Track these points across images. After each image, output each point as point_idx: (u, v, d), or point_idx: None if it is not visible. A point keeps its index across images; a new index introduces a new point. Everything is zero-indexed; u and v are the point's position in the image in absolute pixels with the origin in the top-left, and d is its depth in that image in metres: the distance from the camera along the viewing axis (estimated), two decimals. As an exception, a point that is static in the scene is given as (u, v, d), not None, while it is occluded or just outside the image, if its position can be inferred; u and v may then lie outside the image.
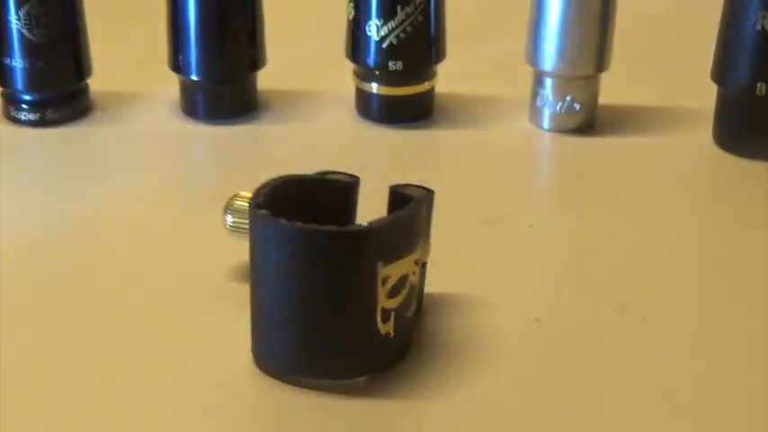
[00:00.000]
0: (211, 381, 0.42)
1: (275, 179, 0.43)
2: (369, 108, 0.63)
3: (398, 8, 0.59)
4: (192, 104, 0.64)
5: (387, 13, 0.60)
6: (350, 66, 0.63)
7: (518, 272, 0.49)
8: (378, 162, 0.59)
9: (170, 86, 0.64)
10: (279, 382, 0.42)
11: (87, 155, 0.61)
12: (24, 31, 0.60)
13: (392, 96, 0.62)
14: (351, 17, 0.61)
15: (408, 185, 0.44)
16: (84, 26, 0.62)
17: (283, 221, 0.39)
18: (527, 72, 0.63)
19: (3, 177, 0.57)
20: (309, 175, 0.44)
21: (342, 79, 0.64)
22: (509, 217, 0.53)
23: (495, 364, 0.43)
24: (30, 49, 0.60)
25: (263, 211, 0.40)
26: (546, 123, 0.62)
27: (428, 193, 0.43)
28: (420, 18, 0.60)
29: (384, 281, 0.40)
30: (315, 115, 0.64)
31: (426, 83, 0.63)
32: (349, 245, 0.39)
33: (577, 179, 0.59)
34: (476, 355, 0.43)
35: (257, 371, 0.42)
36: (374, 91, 0.62)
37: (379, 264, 0.40)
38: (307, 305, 0.40)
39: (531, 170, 0.61)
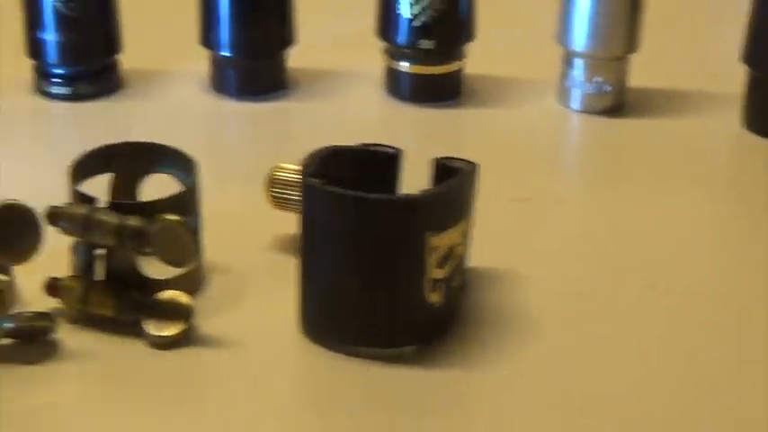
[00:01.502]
0: (259, 350, 0.42)
1: (322, 149, 0.43)
2: (398, 87, 0.63)
3: (431, -13, 0.60)
4: (223, 81, 0.64)
5: (419, -8, 0.60)
6: (379, 44, 0.63)
7: (555, 247, 0.50)
8: (407, 140, 0.59)
9: (200, 63, 0.64)
10: (326, 351, 0.42)
11: (119, 129, 0.61)
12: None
13: (422, 75, 0.63)
14: (383, -5, 0.61)
15: (452, 158, 0.44)
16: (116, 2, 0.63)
17: (336, 189, 0.40)
18: (555, 53, 0.63)
19: (36, 149, 0.57)
20: (355, 146, 0.45)
21: (371, 58, 0.64)
22: (542, 194, 0.54)
23: (539, 335, 0.43)
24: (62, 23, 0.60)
25: (316, 180, 0.40)
26: (575, 104, 0.63)
27: (472, 166, 0.44)
28: (452, -3, 0.60)
29: (433, 251, 0.41)
30: (344, 93, 0.65)
31: (456, 62, 0.63)
32: (400, 213, 0.40)
33: (607, 159, 0.59)
34: (520, 328, 0.44)
35: (304, 339, 0.43)
36: (404, 69, 0.62)
37: (429, 233, 0.40)
38: (356, 273, 0.40)
39: (561, 150, 0.62)
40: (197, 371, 0.42)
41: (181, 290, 0.43)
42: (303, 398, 0.42)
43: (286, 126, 0.62)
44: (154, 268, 0.44)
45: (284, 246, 0.48)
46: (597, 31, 0.60)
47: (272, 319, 0.44)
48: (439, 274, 0.41)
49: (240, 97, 0.64)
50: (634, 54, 0.62)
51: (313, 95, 0.65)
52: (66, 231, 0.42)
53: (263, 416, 0.39)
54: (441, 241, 0.41)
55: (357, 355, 0.42)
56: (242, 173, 0.54)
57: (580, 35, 0.61)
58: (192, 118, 0.62)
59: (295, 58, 0.65)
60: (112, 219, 0.41)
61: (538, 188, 0.54)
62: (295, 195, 0.47)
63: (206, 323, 0.43)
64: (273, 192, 0.47)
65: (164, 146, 0.46)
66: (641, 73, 0.63)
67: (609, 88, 0.62)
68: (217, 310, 0.44)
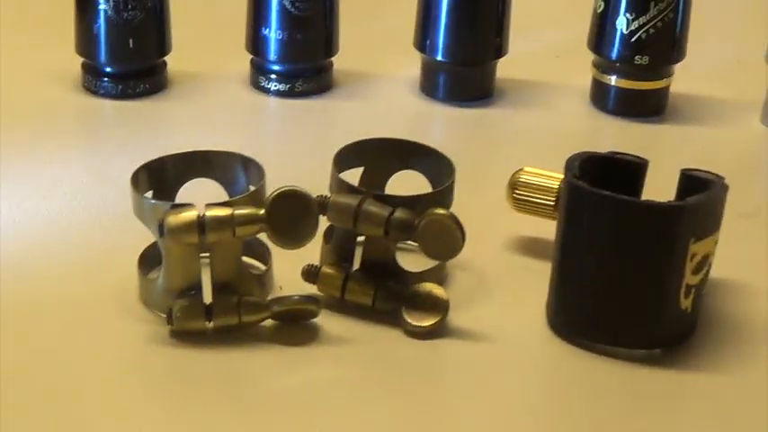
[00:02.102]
0: (508, 342, 0.44)
1: (578, 154, 0.45)
2: (605, 100, 0.65)
3: (651, 4, 0.61)
4: (434, 85, 0.65)
5: (639, 8, 0.61)
6: (587, 57, 0.65)
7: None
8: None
9: (410, 67, 0.67)
10: (574, 348, 0.44)
11: (337, 125, 0.63)
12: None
13: (631, 90, 0.64)
14: (599, 10, 0.63)
15: (697, 170, 0.45)
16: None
17: (606, 192, 0.41)
18: (761, 73, 0.64)
19: (94, 147, 0.61)
20: (606, 154, 0.46)
21: (577, 70, 0.66)
22: (763, 211, 0.54)
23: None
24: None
25: (582, 183, 0.42)
26: (780, 125, 0.63)
27: (722, 179, 0.45)
28: (671, 15, 0.61)
29: (692, 257, 0.42)
30: (550, 104, 0.66)
31: (665, 79, 0.64)
32: (669, 219, 0.41)
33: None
34: (759, 337, 0.45)
35: (553, 336, 0.44)
36: (613, 83, 0.64)
37: (692, 240, 0.41)
38: (618, 275, 0.42)
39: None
40: (451, 361, 0.44)
41: (431, 282, 0.45)
42: (548, 391, 0.43)
43: (494, 132, 0.63)
44: (407, 260, 0.45)
45: (523, 247, 0.50)
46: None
47: (520, 314, 0.45)
48: (694, 279, 0.43)
49: (449, 102, 0.65)
50: None
51: (520, 104, 0.66)
52: (335, 220, 0.44)
53: (511, 408, 0.41)
54: (700, 248, 0.42)
55: (607, 354, 0.43)
56: (463, 175, 0.56)
57: (792, 57, 0.61)
58: (401, 118, 0.64)
59: (503, 67, 0.67)
60: (382, 210, 0.43)
61: (758, 205, 0.55)
62: (539, 198, 0.48)
63: (456, 315, 0.45)
64: (517, 194, 0.49)
65: (421, 145, 0.47)
66: None
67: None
68: (465, 304, 0.46)
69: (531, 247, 0.50)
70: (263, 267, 0.46)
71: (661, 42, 0.62)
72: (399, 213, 0.43)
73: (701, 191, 0.43)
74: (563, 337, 0.44)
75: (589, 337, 0.43)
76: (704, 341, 0.44)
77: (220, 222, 0.41)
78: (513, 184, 0.49)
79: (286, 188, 0.42)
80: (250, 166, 0.45)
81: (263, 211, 0.41)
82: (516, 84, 0.68)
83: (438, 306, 0.44)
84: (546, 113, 0.65)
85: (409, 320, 0.44)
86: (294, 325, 0.44)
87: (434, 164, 0.47)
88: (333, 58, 0.67)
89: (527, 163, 0.49)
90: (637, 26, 0.62)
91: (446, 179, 0.46)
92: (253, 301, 0.43)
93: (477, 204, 0.52)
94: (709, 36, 0.74)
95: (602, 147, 0.57)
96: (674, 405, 0.41)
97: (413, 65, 0.67)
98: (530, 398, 0.42)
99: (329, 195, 0.44)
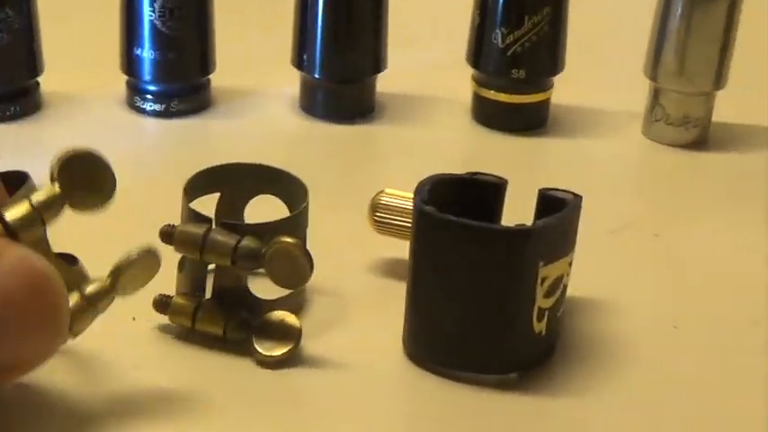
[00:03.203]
0: (362, 370, 0.43)
1: (431, 177, 0.44)
2: (485, 114, 0.64)
3: (526, 17, 0.60)
4: (313, 102, 0.65)
5: (513, 22, 0.61)
6: (468, 71, 0.64)
7: (650, 279, 0.50)
8: (492, 168, 0.60)
9: (289, 84, 0.66)
10: (430, 374, 0.43)
11: (211, 147, 0.62)
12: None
13: (510, 103, 0.63)
14: (476, 23, 0.62)
15: (555, 189, 0.45)
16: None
17: (451, 217, 0.41)
18: (641, 85, 0.64)
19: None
20: (461, 175, 0.45)
21: (458, 84, 0.65)
22: (634, 226, 0.54)
23: (636, 366, 0.44)
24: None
25: (430, 208, 0.41)
26: (660, 137, 0.63)
27: (578, 199, 0.44)
28: (546, 28, 0.61)
29: (543, 281, 0.41)
30: (431, 119, 0.66)
31: (544, 92, 0.64)
32: (517, 243, 0.40)
33: (693, 192, 0.60)
34: (618, 358, 0.45)
35: (408, 362, 0.43)
36: (492, 97, 0.63)
37: (541, 263, 0.41)
38: (467, 300, 0.41)
39: (647, 182, 0.62)
40: (303, 390, 0.43)
41: (286, 310, 0.44)
42: (404, 420, 0.42)
43: (373, 149, 0.63)
44: (261, 287, 0.44)
45: (385, 269, 0.49)
46: (687, 66, 0.61)
47: (376, 341, 0.44)
48: (546, 303, 0.42)
49: (328, 119, 0.64)
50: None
51: (400, 120, 0.66)
52: (181, 250, 0.43)
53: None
54: (551, 271, 0.41)
55: (460, 380, 0.42)
56: (336, 195, 0.55)
57: (669, 70, 0.61)
58: (279, 137, 0.63)
59: (385, 82, 0.66)
60: (228, 239, 0.42)
61: (631, 220, 0.55)
62: (400, 221, 0.48)
63: (310, 343, 0.44)
64: (377, 216, 0.48)
65: (274, 168, 0.47)
66: (725, 108, 0.64)
67: (695, 123, 0.63)
68: (321, 331, 0.45)
69: (393, 270, 0.49)
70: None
71: (537, 55, 0.62)
72: (246, 242, 0.42)
73: (559, 210, 0.42)
74: (418, 364, 0.43)
75: (442, 364, 0.43)
76: (562, 363, 0.44)
77: (27, 219, 0.39)
78: (374, 206, 0.48)
79: (69, 153, 0.39)
80: None
81: (57, 188, 0.39)
82: (398, 99, 0.67)
83: (290, 335, 0.43)
84: (426, 129, 0.65)
85: (260, 350, 0.43)
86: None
87: (289, 188, 0.46)
88: (211, 77, 0.65)
89: (403, 180, 0.48)
90: (512, 40, 0.61)
91: (301, 203, 0.45)
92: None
93: (344, 225, 0.51)
94: (589, 48, 0.73)
95: (484, 162, 0.57)
96: (527, 429, 0.41)
97: (293, 82, 0.66)
98: (380, 427, 0.41)
99: (176, 225, 0.43)
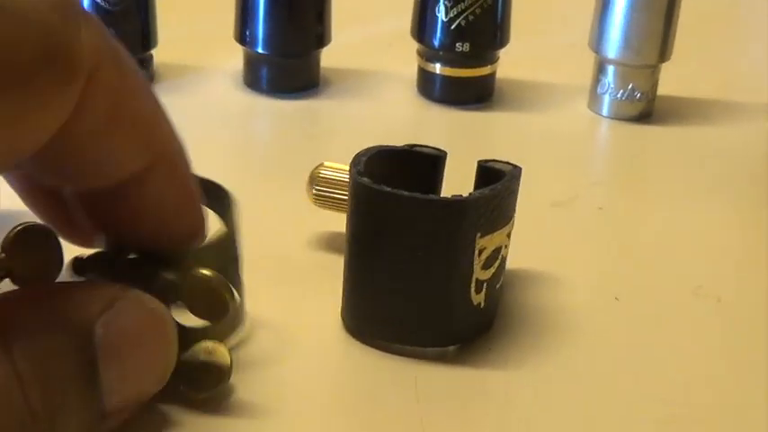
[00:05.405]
0: (301, 345, 0.43)
1: (369, 149, 0.44)
2: (431, 88, 0.64)
3: (468, -9, 0.60)
4: (257, 78, 0.64)
5: (457, -5, 0.60)
6: (413, 45, 0.64)
7: (592, 252, 0.50)
8: (438, 142, 0.59)
9: (233, 59, 0.65)
10: (369, 348, 0.43)
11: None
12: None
13: (455, 77, 0.63)
14: (419, -3, 0.62)
15: (495, 161, 0.45)
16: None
17: (386, 188, 0.40)
18: (587, 59, 0.63)
19: None
20: (400, 147, 0.45)
21: (404, 59, 0.65)
22: (577, 199, 0.54)
23: (576, 338, 0.44)
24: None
25: (366, 179, 0.41)
26: (606, 110, 0.63)
27: (518, 169, 0.44)
28: (489, 1, 0.61)
29: (480, 252, 0.41)
30: (376, 93, 0.65)
31: (489, 66, 0.63)
32: (452, 215, 0.40)
33: (638, 165, 0.60)
34: (559, 330, 0.44)
35: (347, 335, 0.43)
36: (437, 71, 0.63)
37: (478, 235, 0.41)
38: (404, 272, 0.41)
39: (593, 155, 0.62)
40: (241, 365, 0.42)
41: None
42: (344, 394, 0.42)
43: (317, 124, 0.62)
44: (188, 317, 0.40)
45: (324, 244, 0.49)
46: (631, 38, 0.61)
47: (316, 315, 0.44)
48: (485, 275, 0.42)
49: (273, 94, 0.64)
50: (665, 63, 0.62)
51: (345, 94, 0.65)
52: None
53: (302, 415, 0.40)
54: (488, 243, 0.41)
55: (400, 353, 0.42)
56: (279, 170, 0.55)
57: (614, 42, 0.61)
58: (222, 113, 0.63)
59: (328, 56, 0.65)
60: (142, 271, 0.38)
61: (575, 193, 0.54)
62: (338, 194, 0.47)
63: (248, 319, 0.43)
64: (316, 190, 0.48)
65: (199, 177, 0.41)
66: (671, 81, 0.64)
67: (640, 95, 0.62)
68: (259, 306, 0.44)
69: (332, 244, 0.48)
70: None
71: (481, 29, 0.62)
72: (163, 273, 0.38)
73: (498, 181, 0.42)
74: (357, 338, 0.43)
75: (381, 338, 0.42)
76: (501, 336, 0.44)
77: None
78: (313, 180, 0.48)
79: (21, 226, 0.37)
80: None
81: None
82: (343, 74, 0.67)
83: (218, 374, 0.39)
84: (371, 103, 0.64)
85: (186, 390, 0.39)
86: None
87: (216, 198, 0.42)
88: (153, 53, 0.65)
89: (346, 154, 0.47)
90: (455, 13, 0.61)
91: (229, 216, 0.41)
92: None
93: (285, 200, 0.51)
94: (535, 21, 0.73)
95: (428, 136, 0.57)
96: (463, 403, 0.40)
97: (236, 57, 0.65)
98: (320, 401, 0.40)
99: (85, 256, 0.39)
